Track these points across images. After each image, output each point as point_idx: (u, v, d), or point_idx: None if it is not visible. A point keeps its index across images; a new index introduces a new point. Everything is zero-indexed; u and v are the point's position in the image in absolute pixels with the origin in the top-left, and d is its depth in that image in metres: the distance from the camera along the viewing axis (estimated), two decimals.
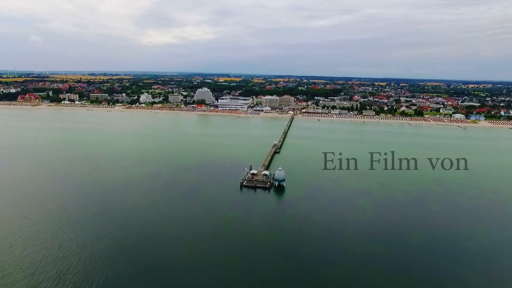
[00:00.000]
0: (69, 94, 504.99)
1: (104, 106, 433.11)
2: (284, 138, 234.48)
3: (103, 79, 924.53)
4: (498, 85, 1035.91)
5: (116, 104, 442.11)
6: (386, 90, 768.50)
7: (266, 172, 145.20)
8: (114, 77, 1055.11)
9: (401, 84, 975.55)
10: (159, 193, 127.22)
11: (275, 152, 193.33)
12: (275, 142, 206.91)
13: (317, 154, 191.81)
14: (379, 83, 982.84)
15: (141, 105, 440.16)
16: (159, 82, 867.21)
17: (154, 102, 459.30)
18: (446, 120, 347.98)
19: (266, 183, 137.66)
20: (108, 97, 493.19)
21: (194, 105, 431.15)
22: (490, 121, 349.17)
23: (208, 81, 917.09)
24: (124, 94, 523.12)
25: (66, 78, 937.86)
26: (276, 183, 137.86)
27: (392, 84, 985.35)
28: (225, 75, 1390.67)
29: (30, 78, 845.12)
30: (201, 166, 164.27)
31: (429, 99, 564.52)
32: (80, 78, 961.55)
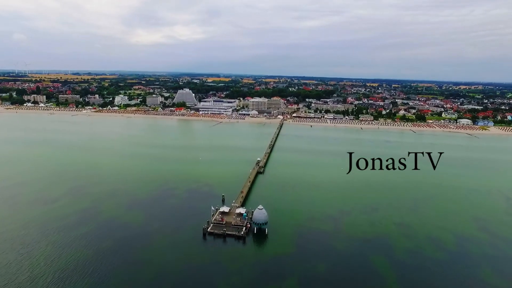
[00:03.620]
0: (34, 95, 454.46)
1: (71, 109, 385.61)
2: (270, 152, 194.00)
3: (85, 79, 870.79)
4: (489, 86, 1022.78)
5: (85, 107, 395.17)
6: (380, 91, 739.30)
7: (242, 211, 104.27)
8: (97, 77, 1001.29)
9: (393, 85, 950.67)
10: (82, 248, 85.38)
11: (258, 173, 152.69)
12: (258, 159, 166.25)
13: (310, 174, 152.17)
14: (371, 84, 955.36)
15: (114, 108, 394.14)
16: (143, 82, 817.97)
17: (128, 105, 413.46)
18: (452, 126, 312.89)
19: (241, 228, 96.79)
20: (80, 99, 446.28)
21: (172, 108, 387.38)
22: (500, 127, 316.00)
23: (195, 81, 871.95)
24: (97, 96, 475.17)
25: (44, 77, 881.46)
26: (255, 227, 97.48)
27: (384, 85, 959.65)
28: (215, 75, 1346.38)
29: (2, 78, 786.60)
30: (157, 197, 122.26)
31: (426, 102, 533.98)
32: (60, 77, 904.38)
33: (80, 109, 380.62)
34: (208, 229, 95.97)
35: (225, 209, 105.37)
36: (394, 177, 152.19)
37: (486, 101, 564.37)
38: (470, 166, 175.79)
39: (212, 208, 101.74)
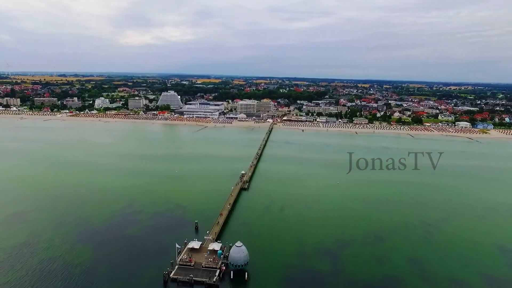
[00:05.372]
0: (8, 98, 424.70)
1: (45, 113, 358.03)
2: (257, 162, 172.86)
3: (69, 80, 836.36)
4: (478, 87, 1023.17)
5: (62, 111, 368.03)
6: (372, 92, 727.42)
7: (217, 247, 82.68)
8: (82, 78, 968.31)
9: (384, 86, 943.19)
10: None
11: (242, 189, 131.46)
12: (243, 172, 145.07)
13: (301, 190, 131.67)
14: (362, 85, 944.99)
15: (92, 112, 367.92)
16: (129, 84, 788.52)
17: (108, 108, 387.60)
18: (451, 130, 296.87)
19: (214, 272, 75.30)
20: (58, 102, 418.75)
21: (155, 112, 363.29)
22: (500, 130, 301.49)
23: (184, 82, 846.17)
24: (76, 99, 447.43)
25: (27, 79, 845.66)
26: (232, 269, 76.32)
27: (375, 85, 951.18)
28: (205, 76, 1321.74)
29: None
30: (115, 225, 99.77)
31: (420, 103, 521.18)
32: (44, 79, 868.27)
33: (55, 113, 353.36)
34: (171, 274, 74.32)
35: (195, 244, 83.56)
36: (397, 193, 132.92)
37: (479, 102, 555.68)
38: (481, 177, 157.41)
39: (177, 245, 79.73)
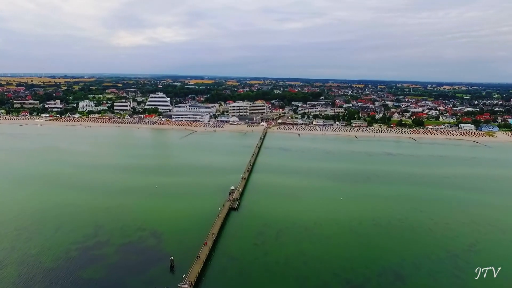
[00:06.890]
0: None
1: (24, 117, 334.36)
2: (249, 174, 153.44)
3: (57, 82, 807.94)
4: (472, 87, 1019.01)
5: (41, 115, 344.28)
6: (367, 93, 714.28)
7: None
8: (72, 80, 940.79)
9: (379, 86, 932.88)
10: None
11: (231, 209, 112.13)
12: (232, 187, 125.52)
13: (299, 209, 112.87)
14: (357, 85, 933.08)
15: (74, 115, 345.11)
16: (119, 85, 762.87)
17: (92, 112, 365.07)
18: (455, 133, 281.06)
19: None
20: (40, 105, 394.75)
21: (142, 115, 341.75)
22: (506, 132, 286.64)
23: (176, 83, 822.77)
24: (58, 101, 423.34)
25: (13, 81, 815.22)
26: None
27: (370, 86, 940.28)
28: (199, 77, 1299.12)
29: None
30: (71, 261, 79.61)
31: (417, 103, 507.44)
32: (31, 81, 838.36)
33: (34, 117, 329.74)
34: None
35: None
36: (411, 211, 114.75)
37: (476, 102, 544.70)
38: (502, 190, 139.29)
39: None
